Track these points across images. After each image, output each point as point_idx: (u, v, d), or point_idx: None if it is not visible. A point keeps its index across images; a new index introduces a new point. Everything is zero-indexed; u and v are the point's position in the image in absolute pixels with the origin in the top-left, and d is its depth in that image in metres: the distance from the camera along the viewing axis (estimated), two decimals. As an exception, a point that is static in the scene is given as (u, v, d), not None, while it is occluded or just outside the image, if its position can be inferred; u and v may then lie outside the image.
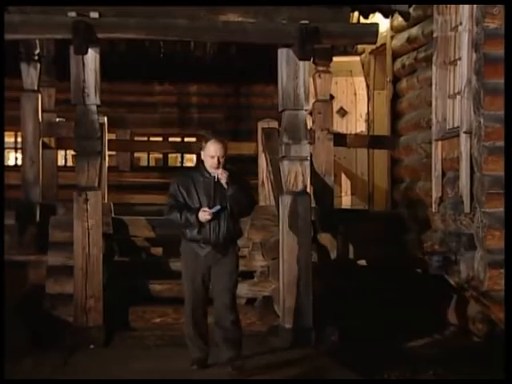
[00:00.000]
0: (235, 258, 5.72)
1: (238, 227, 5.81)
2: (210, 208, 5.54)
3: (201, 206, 5.58)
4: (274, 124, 8.33)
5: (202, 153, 5.68)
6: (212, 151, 5.59)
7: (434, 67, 7.55)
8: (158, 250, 8.18)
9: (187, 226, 5.59)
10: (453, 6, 7.38)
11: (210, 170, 5.63)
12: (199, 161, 5.83)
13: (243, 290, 7.11)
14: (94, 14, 6.79)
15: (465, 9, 6.88)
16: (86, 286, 6.75)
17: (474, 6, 6.60)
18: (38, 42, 8.54)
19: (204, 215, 5.53)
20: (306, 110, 7.06)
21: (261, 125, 8.75)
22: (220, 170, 5.55)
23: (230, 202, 5.55)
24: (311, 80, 8.18)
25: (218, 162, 5.59)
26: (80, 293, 6.74)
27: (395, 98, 9.05)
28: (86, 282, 6.75)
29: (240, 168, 5.95)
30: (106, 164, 8.88)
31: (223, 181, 5.55)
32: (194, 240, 5.63)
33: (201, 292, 5.65)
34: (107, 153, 9.15)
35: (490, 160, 6.33)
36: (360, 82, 10.69)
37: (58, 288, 7.01)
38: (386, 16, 7.91)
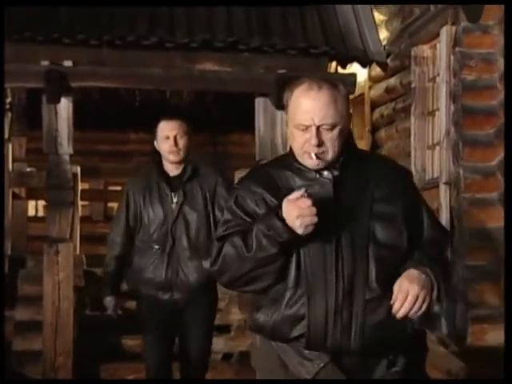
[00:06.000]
0: None
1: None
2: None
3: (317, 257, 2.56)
4: (251, 174, 8.21)
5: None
6: (306, 114, 2.50)
7: (412, 118, 7.49)
8: (131, 304, 7.95)
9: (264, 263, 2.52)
10: (430, 58, 7.36)
11: (308, 162, 2.56)
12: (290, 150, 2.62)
13: (219, 344, 6.89)
14: (68, 63, 6.68)
15: (442, 60, 6.85)
16: (55, 342, 6.53)
17: (451, 57, 6.56)
18: (9, 90, 8.42)
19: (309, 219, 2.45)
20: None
21: (238, 174, 8.62)
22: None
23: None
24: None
25: (318, 141, 2.51)
26: (49, 350, 6.51)
27: (374, 147, 8.98)
28: (55, 339, 6.53)
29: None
30: (79, 214, 8.72)
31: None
32: (285, 340, 2.58)
33: None
34: (80, 203, 8.99)
35: (470, 212, 6.23)
36: (337, 131, 10.63)
37: (26, 344, 6.79)
38: (363, 66, 7.86)
